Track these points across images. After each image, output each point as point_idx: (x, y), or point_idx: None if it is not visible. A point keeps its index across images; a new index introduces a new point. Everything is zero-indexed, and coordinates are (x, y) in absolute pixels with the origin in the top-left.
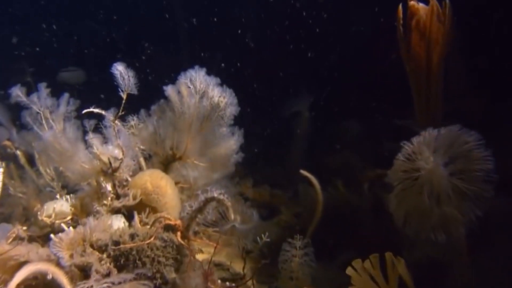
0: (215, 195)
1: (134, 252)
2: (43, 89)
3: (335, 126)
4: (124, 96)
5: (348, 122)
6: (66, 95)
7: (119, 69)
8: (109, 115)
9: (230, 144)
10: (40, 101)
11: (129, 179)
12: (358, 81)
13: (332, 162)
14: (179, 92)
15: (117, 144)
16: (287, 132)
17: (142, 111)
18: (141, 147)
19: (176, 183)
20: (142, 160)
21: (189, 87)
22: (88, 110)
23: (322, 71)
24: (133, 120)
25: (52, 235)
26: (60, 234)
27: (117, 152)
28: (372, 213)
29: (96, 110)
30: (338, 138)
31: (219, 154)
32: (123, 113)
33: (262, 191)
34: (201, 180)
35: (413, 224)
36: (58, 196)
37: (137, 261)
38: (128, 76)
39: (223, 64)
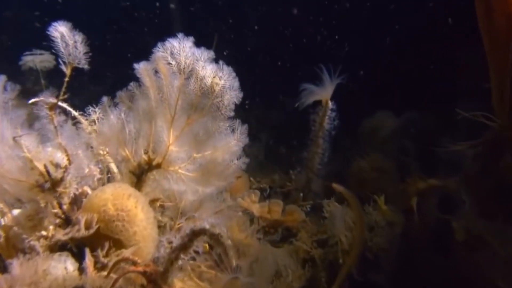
0: (207, 226)
1: None
2: None
3: (365, 120)
4: (67, 70)
5: (382, 115)
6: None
7: (61, 30)
8: (46, 100)
9: (229, 145)
10: None
11: (84, 193)
12: (397, 61)
13: (359, 168)
14: (156, 72)
15: (58, 144)
16: (303, 128)
17: (104, 99)
18: (104, 150)
19: (154, 201)
20: (113, 166)
21: (170, 64)
22: (34, 100)
23: (351, 50)
24: (95, 113)
25: None
26: None
27: (60, 157)
28: (431, 244)
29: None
30: (367, 136)
31: (213, 159)
32: (65, 96)
33: (272, 207)
34: (189, 196)
35: None
36: None
37: None
38: (74, 42)
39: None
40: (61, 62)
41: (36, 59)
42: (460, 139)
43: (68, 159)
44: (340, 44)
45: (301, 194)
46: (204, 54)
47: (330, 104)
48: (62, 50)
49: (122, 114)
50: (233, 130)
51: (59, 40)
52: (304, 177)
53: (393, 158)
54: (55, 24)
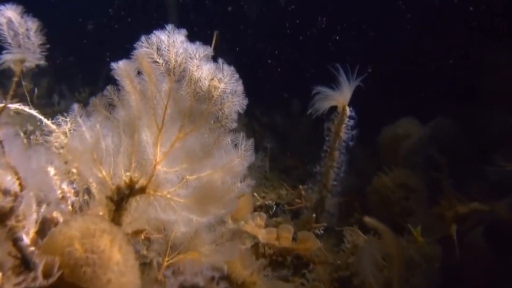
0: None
1: None
2: None
3: (385, 128)
4: (16, 67)
5: (405, 122)
6: None
7: (7, 15)
8: None
9: (231, 164)
10: None
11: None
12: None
13: (382, 185)
14: (139, 73)
15: (6, 164)
16: (317, 138)
17: (75, 107)
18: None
19: (138, 233)
20: (93, 186)
21: (157, 62)
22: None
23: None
24: (66, 123)
25: None
26: None
27: (10, 181)
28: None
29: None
30: (389, 146)
31: (211, 182)
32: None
33: (282, 233)
34: (181, 227)
35: None
36: None
37: None
38: (26, 30)
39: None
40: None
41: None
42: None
43: (20, 184)
44: (354, 38)
45: (314, 215)
46: (200, 51)
47: (348, 110)
48: (9, 41)
49: (97, 126)
50: (235, 146)
51: (4, 27)
52: (316, 194)
53: (421, 174)
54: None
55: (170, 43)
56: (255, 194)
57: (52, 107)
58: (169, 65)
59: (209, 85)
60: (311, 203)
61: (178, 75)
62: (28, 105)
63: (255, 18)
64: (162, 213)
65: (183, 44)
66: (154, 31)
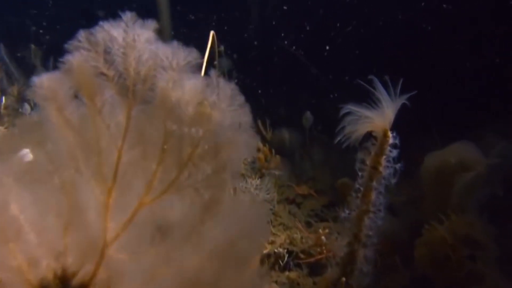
0: None
1: None
2: None
3: (430, 155)
4: None
5: (458, 149)
6: None
7: None
8: None
9: (233, 249)
10: None
11: None
12: None
13: (435, 238)
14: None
15: None
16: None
17: None
18: None
19: None
20: None
21: (105, 76)
22: None
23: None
24: None
25: None
26: None
27: None
28: None
29: None
30: (437, 181)
31: (199, 277)
32: None
33: None
34: None
35: None
36: None
37: None
38: None
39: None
40: None
41: None
42: None
43: None
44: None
45: (344, 279)
46: (178, 56)
47: (390, 136)
48: None
49: (9, 180)
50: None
51: None
52: (344, 246)
53: (486, 223)
54: None
55: (128, 42)
56: None
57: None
58: (128, 78)
59: (194, 113)
60: (336, 255)
61: (142, 96)
62: None
63: (257, 15)
64: None
65: (151, 44)
66: (101, 23)
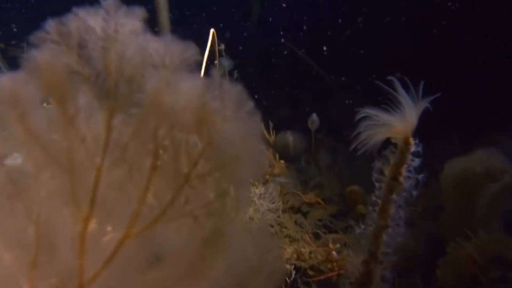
0: None
1: None
2: None
3: (450, 163)
4: None
5: (483, 156)
6: None
7: None
8: None
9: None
10: None
11: None
12: None
13: (462, 258)
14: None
15: None
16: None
17: None
18: None
19: None
20: None
21: (80, 74)
22: None
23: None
24: None
25: None
26: None
27: None
28: None
29: None
30: (460, 192)
31: None
32: None
33: None
34: None
35: None
36: None
37: None
38: None
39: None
40: None
41: None
42: None
43: None
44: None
45: None
46: (172, 52)
47: (412, 143)
48: None
49: None
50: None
51: None
52: (360, 264)
53: None
54: None
55: (109, 34)
56: None
57: None
58: (106, 80)
59: (192, 122)
60: (349, 273)
61: (126, 101)
62: None
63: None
64: None
65: (138, 37)
66: (75, 9)
